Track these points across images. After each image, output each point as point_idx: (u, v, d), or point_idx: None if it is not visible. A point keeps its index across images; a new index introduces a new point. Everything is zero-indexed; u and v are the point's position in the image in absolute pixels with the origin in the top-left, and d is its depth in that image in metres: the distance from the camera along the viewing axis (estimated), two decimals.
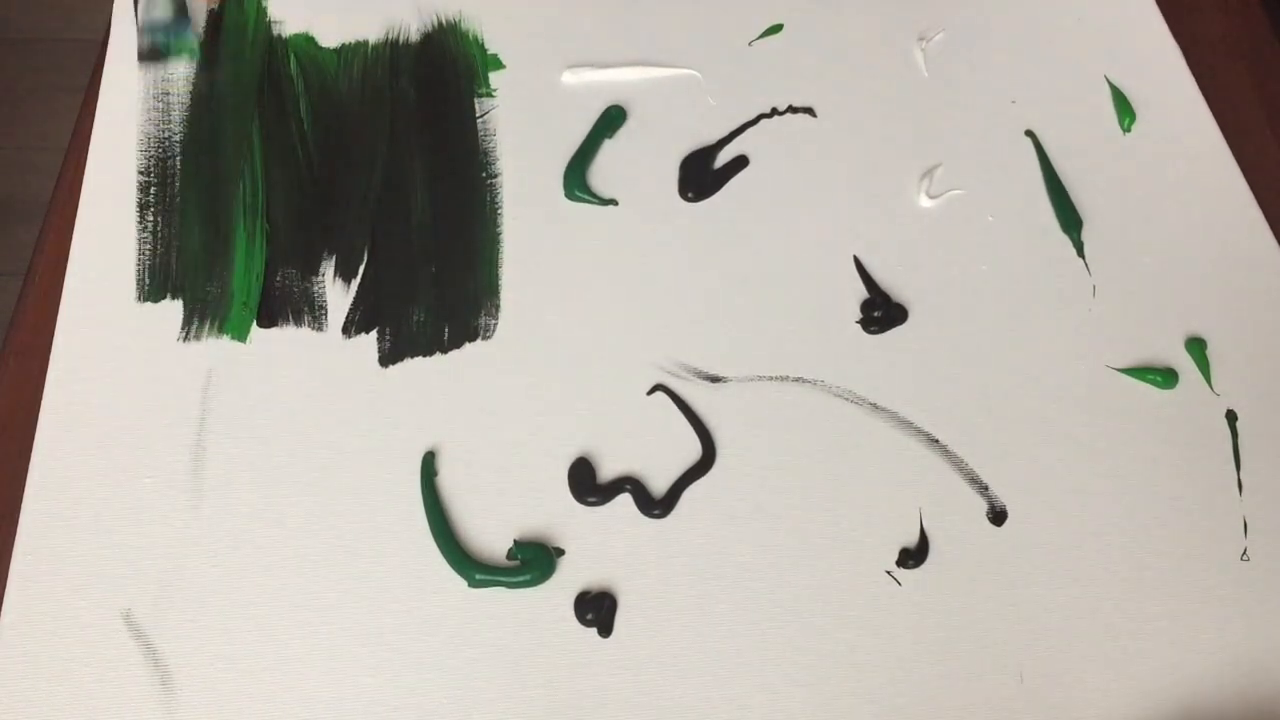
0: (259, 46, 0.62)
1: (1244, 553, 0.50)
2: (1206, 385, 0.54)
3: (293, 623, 0.46)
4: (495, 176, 0.58)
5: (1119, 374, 0.54)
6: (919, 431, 0.52)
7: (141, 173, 0.57)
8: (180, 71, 0.60)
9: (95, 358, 0.52)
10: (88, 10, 1.44)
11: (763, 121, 0.61)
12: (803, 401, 0.52)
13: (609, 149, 0.59)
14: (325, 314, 0.54)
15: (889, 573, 0.48)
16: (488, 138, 0.59)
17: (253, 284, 0.54)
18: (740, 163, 0.59)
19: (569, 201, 0.58)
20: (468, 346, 0.53)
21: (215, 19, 0.62)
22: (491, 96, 0.61)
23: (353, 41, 0.62)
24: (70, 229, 0.55)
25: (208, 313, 0.53)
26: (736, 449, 0.51)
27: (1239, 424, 0.52)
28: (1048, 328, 0.55)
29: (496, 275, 0.55)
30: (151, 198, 0.56)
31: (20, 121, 1.38)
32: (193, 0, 0.57)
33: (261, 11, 0.63)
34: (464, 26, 0.63)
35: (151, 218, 0.56)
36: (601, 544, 0.48)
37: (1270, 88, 0.64)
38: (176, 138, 0.58)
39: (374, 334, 0.53)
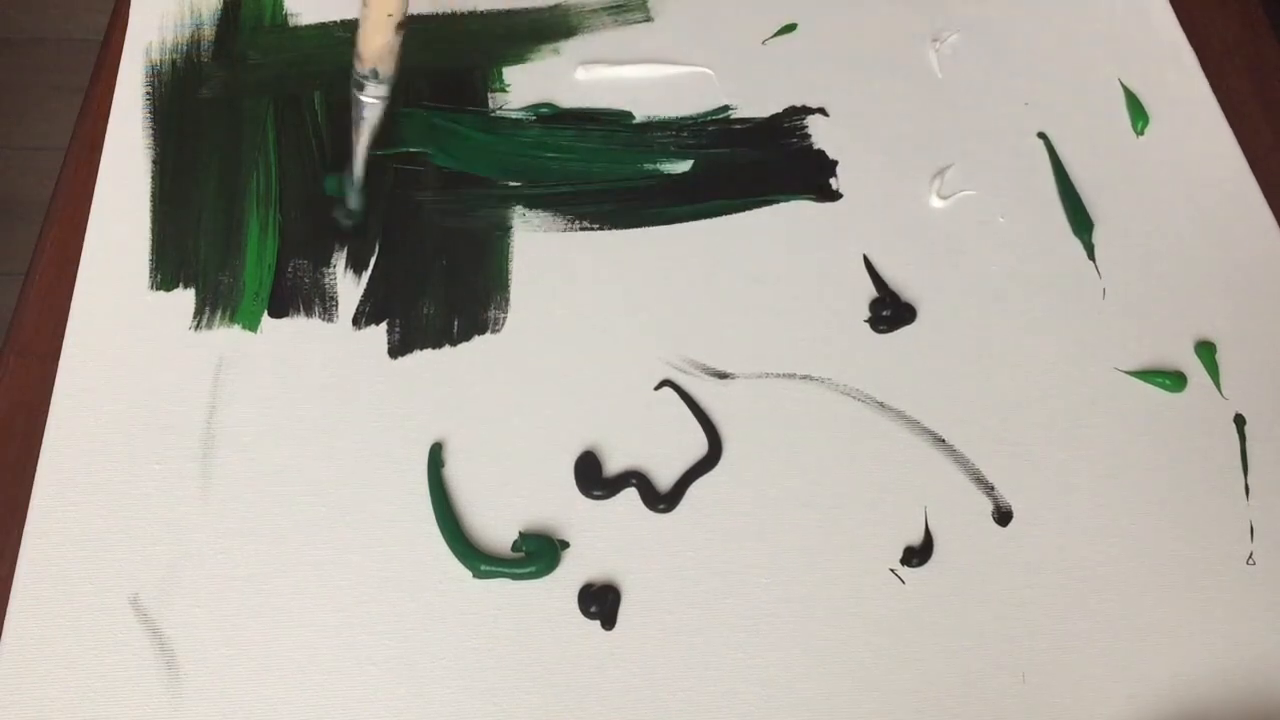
0: (274, 38, 0.62)
1: (1250, 557, 0.49)
2: (1215, 389, 0.53)
3: (298, 610, 0.47)
4: None
5: (1128, 376, 0.54)
6: (925, 430, 0.52)
7: (156, 162, 0.58)
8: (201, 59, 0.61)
9: (107, 345, 0.52)
10: (88, 10, 1.44)
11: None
12: (809, 399, 0.52)
13: None
14: (336, 305, 0.54)
15: (893, 571, 0.48)
16: None
17: (264, 274, 0.55)
18: None
19: None
20: (477, 339, 0.53)
21: (231, 12, 0.63)
22: (505, 91, 0.61)
23: None
24: (71, 228, 0.56)
25: (219, 302, 0.54)
26: (742, 445, 0.51)
27: (1247, 428, 0.52)
28: (1057, 329, 0.55)
29: (506, 269, 0.55)
30: (166, 187, 0.57)
31: (20, 121, 1.38)
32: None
33: (278, 4, 0.63)
34: (478, 20, 0.63)
35: (165, 207, 0.56)
36: (606, 537, 0.49)
37: (1271, 89, 0.63)
38: (192, 128, 0.59)
39: (384, 325, 0.54)
